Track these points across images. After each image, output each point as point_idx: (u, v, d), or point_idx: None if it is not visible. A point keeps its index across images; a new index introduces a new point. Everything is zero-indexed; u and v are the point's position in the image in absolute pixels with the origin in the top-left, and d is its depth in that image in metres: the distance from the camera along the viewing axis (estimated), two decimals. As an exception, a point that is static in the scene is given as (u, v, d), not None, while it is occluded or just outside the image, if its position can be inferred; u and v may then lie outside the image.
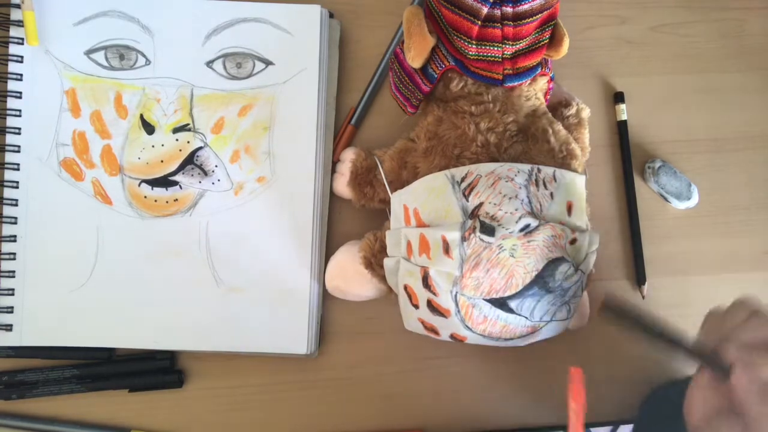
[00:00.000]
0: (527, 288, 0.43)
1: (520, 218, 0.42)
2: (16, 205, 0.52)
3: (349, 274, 0.51)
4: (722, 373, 0.38)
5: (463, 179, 0.44)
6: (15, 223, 0.51)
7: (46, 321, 0.51)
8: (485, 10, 0.44)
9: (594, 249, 0.47)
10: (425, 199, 0.45)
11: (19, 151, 0.52)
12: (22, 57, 0.52)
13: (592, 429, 0.55)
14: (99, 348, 0.52)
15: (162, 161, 0.52)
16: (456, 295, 0.43)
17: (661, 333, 0.40)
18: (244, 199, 0.53)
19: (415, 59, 0.47)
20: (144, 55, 0.53)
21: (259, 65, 0.53)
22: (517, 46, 0.45)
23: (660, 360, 0.56)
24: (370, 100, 0.56)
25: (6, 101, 0.52)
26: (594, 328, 0.55)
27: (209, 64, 0.53)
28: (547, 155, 0.46)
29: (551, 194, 0.44)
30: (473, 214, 0.43)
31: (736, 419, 0.37)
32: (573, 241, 0.44)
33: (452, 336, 0.46)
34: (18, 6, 0.51)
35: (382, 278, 0.49)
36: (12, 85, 0.52)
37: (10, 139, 0.52)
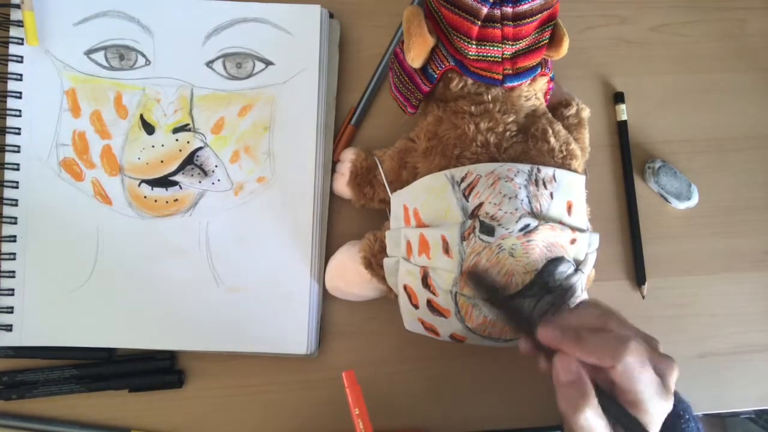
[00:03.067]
0: (527, 288, 0.43)
1: (519, 218, 0.42)
2: (16, 205, 0.52)
3: (349, 274, 0.51)
4: (549, 356, 0.39)
5: (462, 179, 0.44)
6: (15, 223, 0.51)
7: (46, 321, 0.51)
8: (485, 10, 0.44)
9: (594, 249, 0.47)
10: (425, 199, 0.45)
11: (19, 151, 0.52)
12: (22, 57, 0.52)
13: None
14: (99, 348, 0.52)
15: (162, 161, 0.52)
16: (456, 295, 0.43)
17: (508, 312, 0.41)
18: (244, 199, 0.53)
19: (415, 59, 0.47)
20: (144, 55, 0.53)
21: (259, 65, 0.53)
22: (517, 46, 0.45)
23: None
24: (370, 100, 0.56)
25: (6, 101, 0.52)
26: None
27: (209, 64, 0.53)
28: (547, 155, 0.46)
29: (551, 194, 0.44)
30: (473, 214, 0.43)
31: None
32: (573, 241, 0.44)
33: (452, 336, 0.46)
34: (18, 6, 0.51)
35: (382, 278, 0.49)
36: (12, 85, 0.52)
37: (10, 139, 0.52)
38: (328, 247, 0.54)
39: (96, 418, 0.52)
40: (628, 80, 0.60)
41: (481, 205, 0.43)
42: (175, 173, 0.53)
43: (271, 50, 0.54)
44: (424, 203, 0.45)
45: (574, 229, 0.44)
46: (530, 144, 0.47)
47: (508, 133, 0.46)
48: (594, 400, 0.37)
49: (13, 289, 0.51)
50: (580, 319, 0.40)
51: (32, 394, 0.51)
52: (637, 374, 0.37)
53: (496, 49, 0.45)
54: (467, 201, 0.43)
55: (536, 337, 0.40)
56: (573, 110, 0.52)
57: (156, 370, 0.53)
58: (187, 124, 0.53)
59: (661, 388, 0.37)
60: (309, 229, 0.53)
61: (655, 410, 0.37)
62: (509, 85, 0.47)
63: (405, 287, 0.46)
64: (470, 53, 0.45)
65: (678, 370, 0.39)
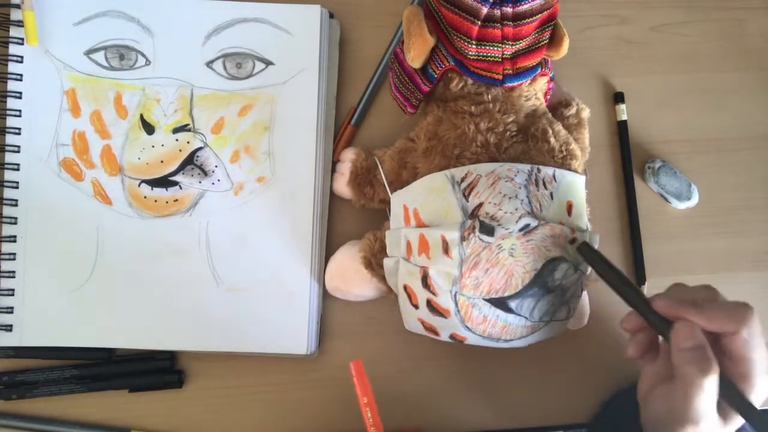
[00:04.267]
0: (527, 288, 0.43)
1: (519, 218, 0.42)
2: (16, 205, 0.52)
3: (348, 274, 0.51)
4: (665, 331, 0.39)
5: (462, 179, 0.44)
6: (15, 223, 0.51)
7: (46, 321, 0.51)
8: (485, 10, 0.44)
9: (594, 249, 0.47)
10: (425, 199, 0.45)
11: (19, 151, 0.52)
12: (22, 57, 0.52)
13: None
14: (99, 348, 0.52)
15: (162, 161, 0.52)
16: (455, 295, 0.43)
17: (620, 286, 0.42)
18: (244, 199, 0.53)
19: (415, 59, 0.47)
20: (144, 56, 0.53)
21: (259, 65, 0.53)
22: (517, 46, 0.45)
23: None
24: (370, 100, 0.56)
25: (6, 101, 0.52)
26: (594, 328, 0.55)
27: (209, 64, 0.53)
28: (547, 155, 0.46)
29: (551, 194, 0.44)
30: (473, 214, 0.43)
31: (670, 385, 0.38)
32: (573, 241, 0.44)
33: (452, 336, 0.46)
34: (18, 6, 0.51)
35: (382, 278, 0.49)
36: (12, 85, 0.52)
37: (10, 139, 0.52)
38: (328, 247, 0.54)
39: (96, 418, 0.52)
40: (628, 80, 0.60)
41: (481, 205, 0.43)
42: (175, 173, 0.53)
43: (271, 50, 0.53)
44: (424, 203, 0.45)
45: (574, 229, 0.44)
46: (530, 144, 0.47)
47: (508, 133, 0.46)
48: (717, 365, 0.36)
49: (13, 289, 0.51)
50: (690, 292, 0.40)
51: (32, 394, 0.51)
52: (758, 342, 0.36)
53: (496, 49, 0.45)
54: (467, 201, 0.43)
55: (650, 309, 0.40)
56: (573, 110, 0.52)
57: (156, 370, 0.53)
58: (187, 124, 0.53)
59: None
60: (309, 229, 0.53)
61: (761, 387, 0.37)
62: (509, 85, 0.47)
63: (405, 287, 0.46)
64: (470, 53, 0.45)
65: None
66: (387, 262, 0.48)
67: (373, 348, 0.55)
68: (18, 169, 0.52)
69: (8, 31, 0.52)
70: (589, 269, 0.45)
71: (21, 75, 0.52)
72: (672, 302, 0.39)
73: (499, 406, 0.55)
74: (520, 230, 0.42)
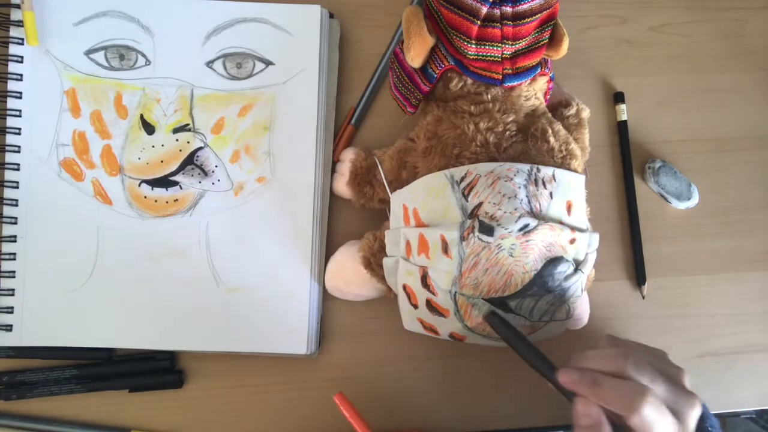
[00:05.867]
0: (526, 288, 0.43)
1: (519, 218, 0.42)
2: (16, 205, 0.52)
3: (348, 274, 0.51)
4: (571, 400, 0.40)
5: (462, 179, 0.44)
6: (15, 223, 0.51)
7: (46, 321, 0.51)
8: (485, 9, 0.44)
9: (594, 249, 0.47)
10: (424, 199, 0.45)
11: (19, 151, 0.52)
12: (22, 57, 0.52)
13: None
14: (99, 348, 0.52)
15: (162, 161, 0.52)
16: (455, 295, 0.43)
17: (527, 356, 0.42)
18: (244, 199, 0.53)
19: (414, 59, 0.47)
20: (144, 55, 0.53)
21: (259, 65, 0.53)
22: (517, 45, 0.45)
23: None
24: (370, 100, 0.56)
25: (6, 101, 0.52)
26: (594, 328, 0.55)
27: (209, 64, 0.53)
28: (547, 155, 0.46)
29: (550, 194, 0.44)
30: (472, 214, 0.43)
31: None
32: (572, 241, 0.44)
33: (451, 335, 0.46)
34: (18, 6, 0.52)
35: (382, 278, 0.49)
36: (12, 85, 0.52)
37: (10, 139, 0.52)
38: (328, 247, 0.54)
39: (96, 418, 0.52)
40: (628, 80, 0.60)
41: (480, 204, 0.43)
42: (175, 173, 0.53)
43: (271, 50, 0.54)
44: (424, 203, 0.45)
45: (573, 228, 0.44)
46: (530, 144, 0.47)
47: (507, 132, 0.46)
48: None
49: (13, 289, 0.51)
50: (599, 361, 0.40)
51: (32, 394, 0.51)
52: (654, 424, 0.37)
53: (495, 48, 0.45)
54: (467, 201, 0.43)
55: (556, 380, 0.40)
56: (573, 110, 0.52)
57: (156, 370, 0.53)
58: (187, 124, 0.53)
59: (678, 428, 0.38)
60: (309, 229, 0.53)
61: None
62: (509, 84, 0.47)
63: (404, 287, 0.46)
64: (470, 53, 0.45)
65: (700, 405, 0.39)
66: (386, 262, 0.48)
67: (373, 348, 0.55)
68: (18, 169, 0.52)
69: (8, 31, 0.52)
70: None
71: (21, 75, 0.52)
72: (573, 376, 0.39)
73: (499, 406, 0.55)
74: (520, 230, 0.42)
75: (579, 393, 0.39)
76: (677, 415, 0.38)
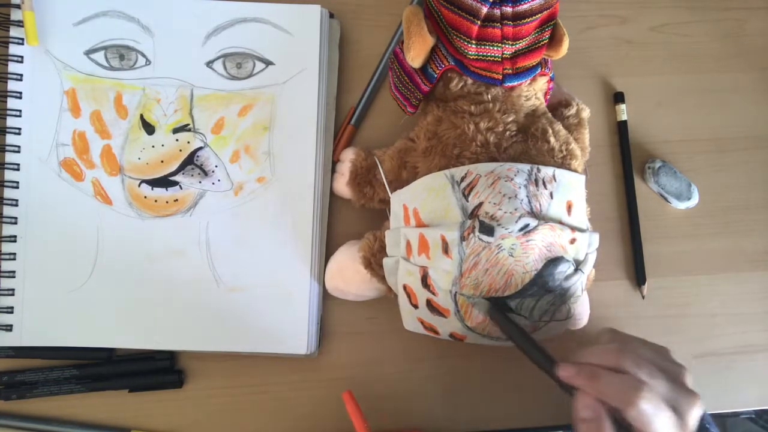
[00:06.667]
0: (527, 287, 0.43)
1: (519, 218, 0.42)
2: (16, 205, 0.52)
3: (348, 274, 0.51)
4: (571, 394, 0.40)
5: (462, 179, 0.44)
6: (15, 223, 0.51)
7: (46, 321, 0.51)
8: (485, 9, 0.44)
9: (594, 249, 0.47)
10: (425, 199, 0.45)
11: (19, 151, 0.52)
12: (22, 57, 0.52)
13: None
14: (99, 348, 0.52)
15: (162, 161, 0.52)
16: (455, 295, 0.43)
17: (528, 350, 0.42)
18: (244, 199, 0.53)
19: (414, 59, 0.47)
20: (144, 55, 0.53)
21: (259, 65, 0.53)
22: (517, 45, 0.45)
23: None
24: (370, 100, 0.56)
25: (6, 101, 0.52)
26: (594, 328, 0.55)
27: (209, 64, 0.53)
28: (547, 155, 0.46)
29: (551, 194, 0.44)
30: (473, 214, 0.43)
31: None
32: (572, 241, 0.44)
33: (452, 335, 0.46)
34: (18, 6, 0.52)
35: (382, 278, 0.49)
36: (12, 85, 0.52)
37: (10, 139, 0.52)
38: (328, 247, 0.54)
39: (96, 418, 0.52)
40: (628, 80, 0.60)
41: (480, 204, 0.43)
42: (175, 173, 0.53)
43: (271, 50, 0.54)
44: (424, 203, 0.45)
45: (573, 228, 0.44)
46: (530, 144, 0.47)
47: (507, 132, 0.46)
48: None
49: (13, 289, 0.51)
50: (598, 356, 0.41)
51: (32, 394, 0.51)
52: (652, 418, 0.37)
53: (495, 48, 0.45)
54: (467, 201, 0.43)
55: (556, 374, 0.40)
56: (573, 110, 0.52)
57: (156, 370, 0.53)
58: (187, 124, 0.53)
59: (678, 425, 0.38)
60: (309, 229, 0.53)
61: None
62: (509, 84, 0.47)
63: (404, 287, 0.46)
64: (470, 53, 0.45)
65: (701, 405, 0.39)
66: (387, 262, 0.48)
67: (373, 348, 0.55)
68: (18, 169, 0.52)
69: (8, 31, 0.52)
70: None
71: (21, 75, 0.52)
72: (573, 371, 0.40)
73: (499, 406, 0.55)
74: (520, 230, 0.42)
75: (578, 387, 0.39)
76: (677, 412, 0.38)
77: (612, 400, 0.38)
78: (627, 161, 0.58)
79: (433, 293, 0.44)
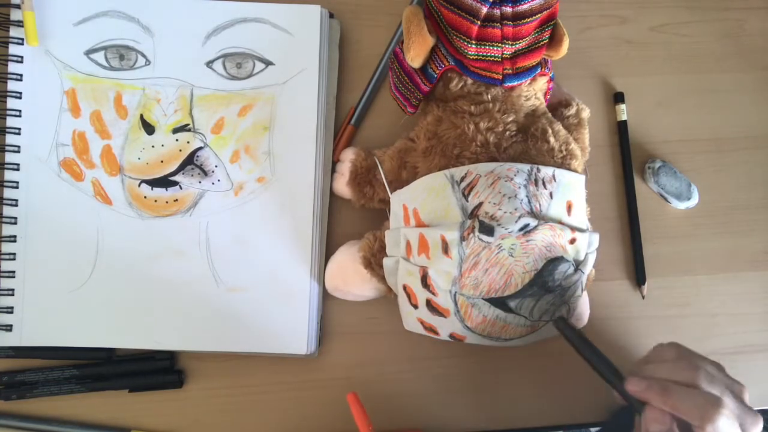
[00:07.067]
0: (526, 287, 0.43)
1: (519, 218, 0.42)
2: (16, 205, 0.52)
3: (348, 274, 0.51)
4: (639, 409, 0.40)
5: (462, 179, 0.44)
6: (15, 223, 0.51)
7: (45, 321, 0.51)
8: (485, 9, 0.44)
9: (594, 249, 0.47)
10: (425, 199, 0.45)
11: (19, 151, 0.52)
12: (22, 57, 0.52)
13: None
14: (99, 348, 0.52)
15: (162, 161, 0.52)
16: (455, 295, 0.43)
17: (594, 363, 0.43)
18: (244, 199, 0.53)
19: (414, 59, 0.47)
20: (144, 56, 0.53)
21: (259, 65, 0.53)
22: (517, 45, 0.45)
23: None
24: (370, 100, 0.56)
25: (6, 101, 0.52)
26: (594, 328, 0.55)
27: (209, 64, 0.53)
28: (547, 155, 0.46)
29: (551, 194, 0.44)
30: (473, 214, 0.43)
31: None
32: (572, 241, 0.44)
33: (452, 335, 0.46)
34: (18, 6, 0.52)
35: (382, 278, 0.49)
36: (12, 85, 0.52)
37: (10, 139, 0.52)
38: (328, 247, 0.54)
39: (96, 418, 0.52)
40: (628, 80, 0.60)
41: (480, 204, 0.43)
42: (175, 173, 0.53)
43: (271, 50, 0.54)
44: (424, 203, 0.45)
45: (573, 228, 0.44)
46: (530, 144, 0.47)
47: (507, 132, 0.46)
48: None
49: (13, 289, 0.51)
50: (669, 371, 0.40)
51: (32, 394, 0.51)
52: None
53: (495, 48, 0.45)
54: (467, 201, 0.43)
55: (623, 388, 0.40)
56: (573, 110, 0.52)
57: (156, 370, 0.53)
58: (187, 124, 0.53)
59: None
60: (309, 229, 0.53)
61: None
62: (509, 84, 0.47)
63: (404, 287, 0.46)
64: (470, 53, 0.45)
65: (762, 426, 0.39)
66: (386, 262, 0.48)
67: (373, 348, 0.55)
68: (18, 169, 0.52)
69: (8, 31, 0.52)
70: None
71: (21, 75, 0.52)
72: (643, 384, 0.40)
73: (499, 406, 0.55)
74: (520, 230, 0.42)
75: (648, 401, 0.39)
76: (743, 430, 0.38)
77: (686, 416, 0.37)
78: (627, 161, 0.58)
79: (433, 293, 0.44)
